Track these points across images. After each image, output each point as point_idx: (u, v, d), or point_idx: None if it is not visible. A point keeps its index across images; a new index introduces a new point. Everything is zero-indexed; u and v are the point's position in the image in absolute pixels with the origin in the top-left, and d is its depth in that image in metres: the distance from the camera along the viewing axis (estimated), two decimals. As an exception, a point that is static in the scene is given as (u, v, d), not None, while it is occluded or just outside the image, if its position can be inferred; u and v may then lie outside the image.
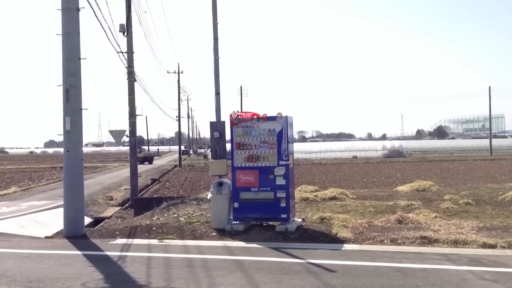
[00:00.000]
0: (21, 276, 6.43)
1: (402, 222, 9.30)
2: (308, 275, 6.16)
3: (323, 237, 8.49)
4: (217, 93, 14.36)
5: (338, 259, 6.93)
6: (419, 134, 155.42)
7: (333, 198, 13.66)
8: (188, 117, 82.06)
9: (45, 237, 9.42)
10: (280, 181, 9.08)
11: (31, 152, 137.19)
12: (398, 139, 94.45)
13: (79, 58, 9.48)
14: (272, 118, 9.20)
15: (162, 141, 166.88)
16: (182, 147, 58.15)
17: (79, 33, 9.49)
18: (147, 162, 52.36)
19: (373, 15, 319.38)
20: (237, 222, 9.32)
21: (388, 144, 65.46)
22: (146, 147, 66.32)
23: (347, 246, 7.78)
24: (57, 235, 9.53)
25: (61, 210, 10.03)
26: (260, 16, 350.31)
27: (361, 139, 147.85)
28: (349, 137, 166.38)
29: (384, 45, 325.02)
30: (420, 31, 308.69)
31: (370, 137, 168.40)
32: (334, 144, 72.96)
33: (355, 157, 57.09)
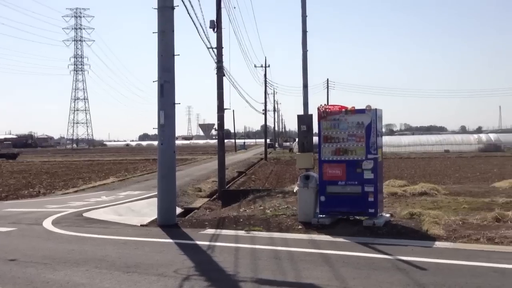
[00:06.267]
0: (119, 261, 6.87)
1: (500, 220, 8.73)
2: (398, 272, 5.99)
3: (412, 234, 8.21)
4: (305, 86, 14.34)
5: (429, 256, 6.66)
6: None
7: (423, 194, 13.10)
8: (274, 110, 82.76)
9: (141, 225, 9.98)
10: (368, 175, 8.89)
11: (127, 145, 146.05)
12: (496, 132, 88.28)
13: (173, 55, 9.85)
14: (361, 111, 9.01)
15: (248, 134, 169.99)
16: (268, 140, 58.70)
17: (173, 31, 9.87)
18: (4, 158, 48.99)
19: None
20: (323, 215, 9.26)
21: (484, 137, 61.55)
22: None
23: (439, 244, 7.46)
24: (151, 223, 10.06)
25: (154, 200, 10.58)
26: (346, 6, 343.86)
27: (453, 132, 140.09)
28: (440, 130, 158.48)
29: (479, 33, 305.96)
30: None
31: (463, 130, 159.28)
32: (424, 137, 69.68)
33: (447, 151, 54.40)
